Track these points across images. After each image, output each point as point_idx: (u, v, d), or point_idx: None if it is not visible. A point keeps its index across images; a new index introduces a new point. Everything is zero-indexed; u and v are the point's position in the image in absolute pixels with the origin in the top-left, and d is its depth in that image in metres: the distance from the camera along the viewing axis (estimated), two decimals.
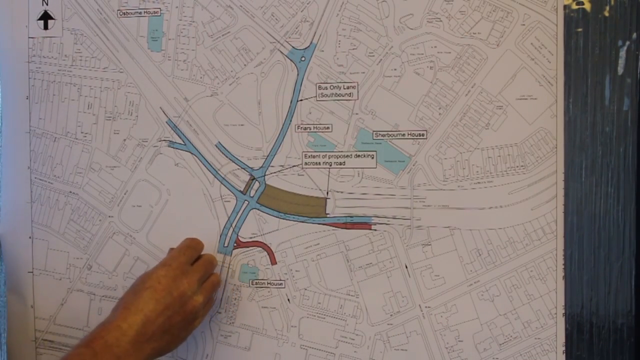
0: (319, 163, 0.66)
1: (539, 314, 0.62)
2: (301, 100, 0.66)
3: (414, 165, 0.64)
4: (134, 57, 0.70)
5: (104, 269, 0.71)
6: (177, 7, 0.68)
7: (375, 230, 0.65)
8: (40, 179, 0.72)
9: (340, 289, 0.66)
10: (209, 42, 0.68)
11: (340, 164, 0.66)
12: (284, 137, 0.67)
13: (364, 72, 0.65)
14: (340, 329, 0.66)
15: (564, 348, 0.62)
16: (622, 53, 0.60)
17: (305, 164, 0.66)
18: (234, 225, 0.68)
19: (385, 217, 0.65)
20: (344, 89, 0.65)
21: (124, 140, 0.70)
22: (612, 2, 0.60)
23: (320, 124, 0.66)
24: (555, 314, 0.62)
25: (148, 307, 0.57)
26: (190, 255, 0.64)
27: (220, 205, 0.68)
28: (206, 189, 0.68)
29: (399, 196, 0.65)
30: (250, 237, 0.68)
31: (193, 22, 0.68)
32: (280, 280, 0.67)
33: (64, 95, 0.71)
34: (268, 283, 0.67)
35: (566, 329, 0.62)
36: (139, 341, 0.55)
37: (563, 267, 0.62)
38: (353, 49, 0.65)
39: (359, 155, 0.65)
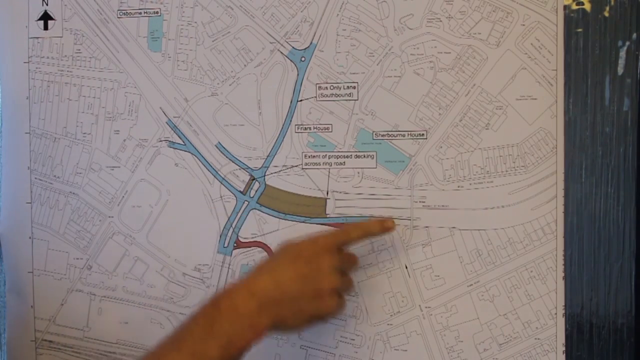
0: (319, 163, 0.66)
1: (539, 314, 0.62)
2: (301, 100, 0.66)
3: (414, 165, 0.64)
4: (134, 57, 0.70)
5: (104, 269, 0.71)
6: (177, 7, 0.68)
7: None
8: (40, 179, 0.72)
9: None
10: (209, 43, 0.68)
11: (340, 164, 0.66)
12: (284, 138, 0.67)
13: (364, 73, 0.65)
14: (340, 329, 0.66)
15: (564, 348, 0.62)
16: (622, 53, 0.60)
17: (305, 164, 0.66)
18: (234, 225, 0.68)
19: (385, 217, 0.65)
20: (344, 89, 0.65)
21: (124, 140, 0.70)
22: (612, 2, 0.60)
23: (320, 124, 0.66)
24: (555, 314, 0.62)
25: (283, 272, 0.55)
26: (343, 240, 0.60)
27: (220, 206, 0.68)
28: (206, 189, 0.68)
29: (399, 196, 0.65)
30: (250, 238, 0.68)
31: (193, 22, 0.68)
32: None
33: (64, 95, 0.71)
34: None
35: (566, 329, 0.62)
36: (265, 305, 0.53)
37: (563, 267, 0.62)
38: (353, 49, 0.65)
39: (359, 156, 0.65)
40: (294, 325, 0.57)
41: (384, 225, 0.61)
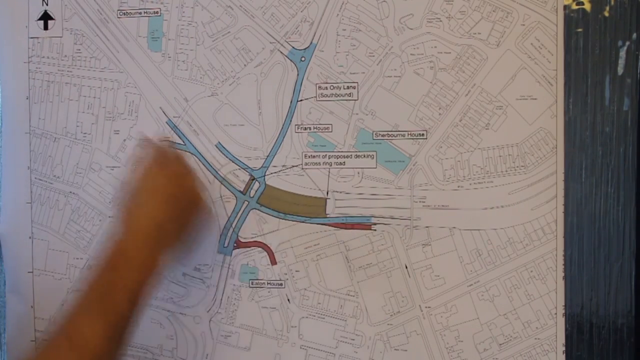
0: (319, 163, 0.66)
1: (539, 314, 0.62)
2: (301, 100, 0.66)
3: (414, 165, 0.64)
4: (134, 57, 0.70)
5: None
6: (177, 7, 0.68)
7: (375, 230, 0.65)
8: (40, 179, 0.72)
9: (340, 289, 0.66)
10: (209, 42, 0.68)
11: (340, 164, 0.66)
12: (284, 138, 0.67)
13: (364, 72, 0.65)
14: (340, 329, 0.66)
15: (564, 348, 0.62)
16: (622, 53, 0.60)
17: (305, 164, 0.66)
18: (234, 225, 0.68)
19: (385, 217, 0.65)
20: (344, 89, 0.65)
21: (124, 140, 0.70)
22: (612, 2, 0.60)
23: (320, 124, 0.66)
24: (555, 314, 0.62)
25: (151, 209, 0.58)
26: (163, 152, 0.63)
27: (220, 206, 0.68)
28: (206, 189, 0.68)
29: (399, 196, 0.65)
30: (250, 238, 0.68)
31: (193, 22, 0.68)
32: (280, 280, 0.67)
33: (64, 95, 0.71)
34: (268, 283, 0.67)
35: (566, 329, 0.62)
36: (155, 243, 0.57)
37: (563, 267, 0.62)
38: (353, 49, 0.65)
39: (359, 156, 0.65)
40: (186, 243, 0.62)
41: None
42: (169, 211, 0.58)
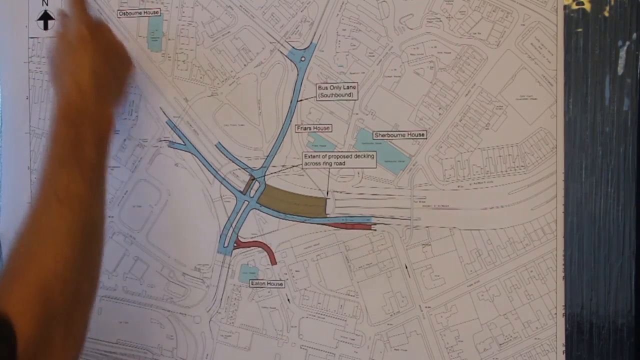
0: (319, 163, 0.66)
1: (539, 314, 0.62)
2: (301, 100, 0.66)
3: (414, 165, 0.64)
4: (134, 57, 0.70)
5: (104, 269, 0.71)
6: (177, 7, 0.68)
7: (375, 230, 0.65)
8: None
9: (340, 289, 0.66)
10: (209, 42, 0.68)
11: (340, 164, 0.66)
12: (284, 137, 0.67)
13: (364, 72, 0.65)
14: (340, 329, 0.66)
15: (564, 348, 0.62)
16: (622, 53, 0.60)
17: (305, 164, 0.66)
18: (234, 225, 0.68)
19: (385, 217, 0.65)
20: (344, 89, 0.65)
21: (124, 140, 0.70)
22: (612, 2, 0.60)
23: (320, 124, 0.66)
24: (555, 314, 0.62)
25: (85, 60, 0.59)
26: (83, 4, 0.64)
27: (220, 206, 0.68)
28: (206, 189, 0.68)
29: (399, 196, 0.65)
30: (250, 237, 0.68)
31: (193, 22, 0.68)
32: (280, 280, 0.67)
33: None
34: (268, 283, 0.67)
35: (566, 329, 0.62)
36: (99, 91, 0.59)
37: (563, 267, 0.62)
38: (353, 49, 0.65)
39: (359, 156, 0.65)
40: (124, 85, 0.66)
41: None
42: (102, 60, 0.60)
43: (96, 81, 0.59)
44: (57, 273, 0.51)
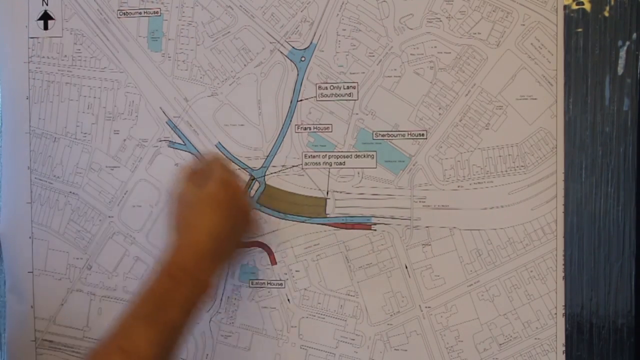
0: (319, 163, 0.66)
1: (539, 314, 0.62)
2: (301, 100, 0.66)
3: (414, 165, 0.64)
4: (134, 57, 0.70)
5: (104, 269, 0.71)
6: (177, 7, 0.68)
7: (375, 230, 0.65)
8: (40, 179, 0.72)
9: (340, 289, 0.66)
10: (209, 42, 0.68)
11: (340, 164, 0.66)
12: (284, 137, 0.67)
13: (364, 72, 0.65)
14: (340, 329, 0.66)
15: (564, 348, 0.62)
16: (622, 53, 0.60)
17: (305, 164, 0.66)
18: None
19: (385, 217, 0.65)
20: (344, 89, 0.65)
21: (124, 140, 0.70)
22: (612, 2, 0.60)
23: (320, 124, 0.66)
24: (555, 314, 0.62)
25: (213, 224, 0.57)
26: (228, 165, 0.64)
27: None
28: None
29: (399, 196, 0.65)
30: (250, 237, 0.68)
31: (193, 22, 0.68)
32: (280, 280, 0.67)
33: (64, 95, 0.71)
34: (268, 283, 0.67)
35: (566, 329, 0.62)
36: (212, 258, 0.57)
37: (563, 267, 0.62)
38: (353, 49, 0.65)
39: (359, 156, 0.65)
40: (236, 256, 0.64)
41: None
42: (228, 227, 0.58)
43: (214, 246, 0.57)
44: None
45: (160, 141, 0.69)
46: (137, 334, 0.52)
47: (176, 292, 0.54)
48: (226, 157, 0.68)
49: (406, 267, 0.65)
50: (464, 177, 0.63)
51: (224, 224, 0.58)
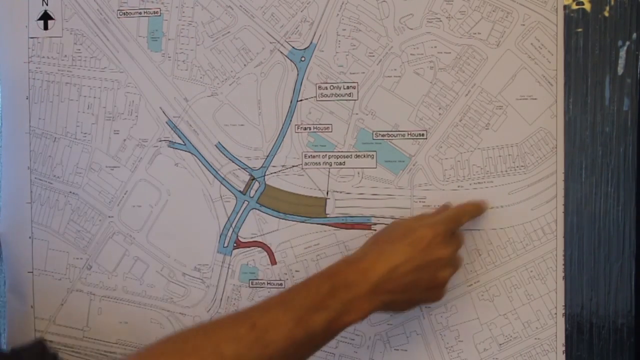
0: (319, 163, 0.66)
1: (539, 314, 0.62)
2: (301, 100, 0.66)
3: (414, 165, 0.64)
4: (134, 57, 0.70)
5: (104, 269, 0.71)
6: (177, 7, 0.68)
7: (375, 230, 0.65)
8: (40, 179, 0.72)
9: None
10: (209, 42, 0.68)
11: (340, 164, 0.66)
12: (284, 137, 0.67)
13: (364, 72, 0.65)
14: None
15: (564, 348, 0.62)
16: (622, 53, 0.60)
17: (305, 164, 0.66)
18: (233, 225, 0.68)
19: (385, 217, 0.65)
20: (344, 89, 0.65)
21: (124, 140, 0.70)
22: (612, 2, 0.60)
23: (320, 124, 0.66)
24: (555, 314, 0.62)
25: (400, 261, 0.54)
26: (458, 223, 0.60)
27: (220, 206, 0.68)
28: (206, 189, 0.68)
29: (399, 196, 0.65)
30: (250, 237, 0.68)
31: (193, 22, 0.68)
32: (280, 280, 0.67)
33: (64, 95, 0.71)
34: (268, 283, 0.67)
35: (566, 329, 0.62)
36: (378, 290, 0.53)
37: (563, 267, 0.62)
38: (353, 49, 0.65)
39: (359, 156, 0.65)
40: (400, 309, 0.57)
41: (482, 206, 0.63)
42: (410, 272, 0.54)
43: (385, 280, 0.53)
44: None
45: (160, 141, 0.69)
46: (274, 317, 0.50)
47: (330, 300, 0.51)
48: (226, 157, 0.68)
49: None
50: (464, 177, 0.63)
51: (409, 267, 0.54)
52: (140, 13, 0.69)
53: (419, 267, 0.54)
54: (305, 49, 0.66)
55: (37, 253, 0.73)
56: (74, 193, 0.72)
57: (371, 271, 0.53)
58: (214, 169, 0.68)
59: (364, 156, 0.65)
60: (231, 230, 0.68)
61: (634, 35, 0.60)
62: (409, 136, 0.64)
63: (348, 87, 0.65)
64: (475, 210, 0.62)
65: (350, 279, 0.53)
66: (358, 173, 0.65)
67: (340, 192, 0.66)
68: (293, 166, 0.67)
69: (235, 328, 0.49)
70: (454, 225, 0.59)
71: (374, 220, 0.65)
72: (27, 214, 0.73)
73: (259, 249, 0.68)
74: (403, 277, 0.54)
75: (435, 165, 0.64)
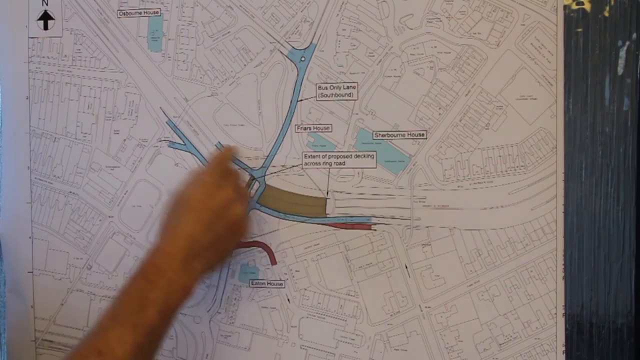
0: (319, 163, 0.66)
1: (539, 314, 0.62)
2: (301, 100, 0.66)
3: (414, 165, 0.64)
4: (134, 57, 0.70)
5: (104, 269, 0.71)
6: (177, 7, 0.68)
7: (375, 230, 0.65)
8: (40, 179, 0.72)
9: (340, 289, 0.66)
10: (209, 42, 0.68)
11: (340, 164, 0.66)
12: (284, 137, 0.67)
13: (364, 72, 0.65)
14: (340, 329, 0.66)
15: (564, 348, 0.62)
16: (622, 53, 0.60)
17: (305, 164, 0.66)
18: None
19: (385, 217, 0.65)
20: (344, 89, 0.65)
21: (124, 140, 0.70)
22: (612, 2, 0.60)
23: (320, 124, 0.66)
24: (555, 314, 0.62)
25: (191, 227, 0.57)
26: (222, 165, 0.63)
27: None
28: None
29: (399, 196, 0.65)
30: (250, 237, 0.68)
31: (193, 22, 0.68)
32: (280, 280, 0.67)
33: (64, 95, 0.71)
34: (268, 283, 0.67)
35: (566, 329, 0.62)
36: (188, 261, 0.56)
37: (563, 267, 0.62)
38: (353, 49, 0.65)
39: (359, 156, 0.65)
40: (220, 263, 0.63)
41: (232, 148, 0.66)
42: (208, 232, 0.58)
43: (189, 250, 0.56)
44: None
45: (160, 141, 0.69)
46: (113, 335, 0.52)
47: (151, 293, 0.54)
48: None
49: (406, 267, 0.65)
50: (464, 177, 0.63)
51: (202, 228, 0.58)
52: (140, 13, 0.69)
53: (209, 221, 0.58)
54: (305, 49, 0.66)
55: (37, 253, 0.73)
56: (74, 193, 0.72)
57: (172, 249, 0.56)
58: None
59: (364, 156, 0.65)
60: None
61: (634, 35, 0.60)
62: (409, 136, 0.64)
63: (348, 87, 0.65)
64: (228, 150, 0.65)
65: (159, 266, 0.56)
66: (358, 173, 0.65)
67: (340, 192, 0.66)
68: (293, 166, 0.67)
69: None
70: (219, 169, 0.62)
71: (374, 220, 0.65)
72: (27, 214, 0.73)
73: (259, 249, 0.68)
74: (202, 238, 0.57)
75: (435, 165, 0.64)
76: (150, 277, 0.55)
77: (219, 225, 0.59)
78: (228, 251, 0.63)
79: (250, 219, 0.66)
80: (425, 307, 0.64)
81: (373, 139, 0.65)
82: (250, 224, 0.64)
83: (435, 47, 0.63)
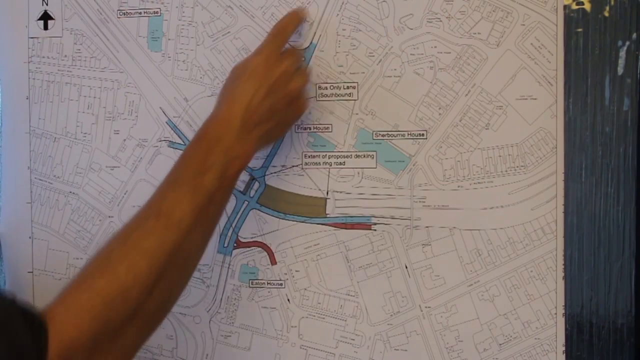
0: (319, 163, 0.66)
1: (539, 314, 0.62)
2: None
3: (414, 165, 0.64)
4: (134, 57, 0.70)
5: None
6: (177, 7, 0.68)
7: (375, 230, 0.65)
8: (40, 179, 0.72)
9: (340, 289, 0.66)
10: (209, 42, 0.68)
11: (340, 164, 0.66)
12: (283, 137, 0.67)
13: (364, 72, 0.65)
14: (340, 329, 0.66)
15: (564, 348, 0.62)
16: (622, 53, 0.60)
17: (305, 164, 0.66)
18: (233, 225, 0.68)
19: (385, 217, 0.65)
20: (344, 89, 0.65)
21: (124, 140, 0.70)
22: (612, 2, 0.60)
23: (320, 124, 0.66)
24: (555, 314, 0.62)
25: (250, 94, 0.57)
26: (281, 41, 0.62)
27: None
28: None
29: (399, 196, 0.65)
30: (250, 237, 0.68)
31: (193, 22, 0.68)
32: (280, 280, 0.67)
33: (64, 95, 0.71)
34: (268, 283, 0.67)
35: (566, 329, 0.62)
36: (245, 129, 0.57)
37: (563, 267, 0.62)
38: (353, 49, 0.65)
39: (359, 156, 0.65)
40: (277, 136, 0.64)
41: (299, 13, 0.65)
42: (266, 101, 0.58)
43: (247, 117, 0.56)
44: (125, 287, 0.48)
45: (160, 141, 0.70)
46: (172, 197, 0.53)
47: (210, 158, 0.54)
48: None
49: (406, 267, 0.65)
50: (464, 177, 0.63)
51: (260, 97, 0.57)
52: (140, 13, 0.69)
53: (269, 90, 0.58)
54: (305, 49, 0.66)
55: (37, 253, 0.73)
56: (74, 193, 0.72)
57: (231, 116, 0.56)
58: None
59: (364, 156, 0.65)
60: (231, 230, 0.68)
61: (634, 35, 0.60)
62: (409, 136, 0.64)
63: (348, 87, 0.65)
64: (293, 17, 0.64)
65: (218, 132, 0.56)
66: (358, 173, 0.65)
67: (340, 192, 0.66)
68: (293, 166, 0.67)
69: (144, 223, 0.52)
70: (280, 39, 0.62)
71: (374, 220, 0.65)
72: (27, 214, 0.73)
73: (259, 249, 0.68)
74: (260, 106, 0.57)
75: (435, 165, 0.64)
76: (210, 144, 0.55)
77: (277, 96, 0.59)
78: (287, 124, 0.63)
79: (308, 94, 0.64)
80: (425, 307, 0.64)
81: (373, 139, 0.65)
82: (308, 101, 0.63)
83: (435, 47, 0.63)
